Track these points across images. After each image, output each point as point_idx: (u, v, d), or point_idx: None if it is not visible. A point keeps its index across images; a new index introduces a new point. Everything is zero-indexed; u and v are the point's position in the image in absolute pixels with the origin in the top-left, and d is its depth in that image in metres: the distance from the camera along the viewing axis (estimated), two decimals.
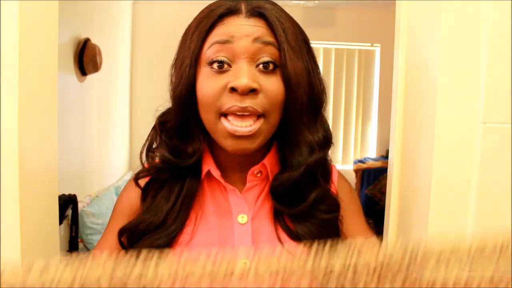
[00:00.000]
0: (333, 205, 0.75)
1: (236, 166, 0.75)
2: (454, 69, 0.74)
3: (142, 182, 0.76)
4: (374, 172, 3.90)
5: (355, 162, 4.19)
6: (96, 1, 3.01)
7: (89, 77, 2.87)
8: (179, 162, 0.72)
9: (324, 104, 0.75)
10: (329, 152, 0.77)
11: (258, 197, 0.75)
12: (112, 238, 0.75)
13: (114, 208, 0.80)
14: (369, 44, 4.29)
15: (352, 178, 4.06)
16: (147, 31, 4.04)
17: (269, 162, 0.75)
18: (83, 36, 2.76)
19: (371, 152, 4.40)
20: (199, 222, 0.73)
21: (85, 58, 2.72)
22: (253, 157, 0.74)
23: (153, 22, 4.02)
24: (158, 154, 0.74)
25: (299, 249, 0.70)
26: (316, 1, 3.83)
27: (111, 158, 3.58)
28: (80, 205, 2.59)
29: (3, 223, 0.72)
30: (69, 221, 2.50)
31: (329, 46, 4.23)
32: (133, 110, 4.08)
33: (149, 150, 0.76)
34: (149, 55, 3.99)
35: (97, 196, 2.92)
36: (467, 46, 0.73)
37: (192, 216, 0.73)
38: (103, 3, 3.20)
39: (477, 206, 0.74)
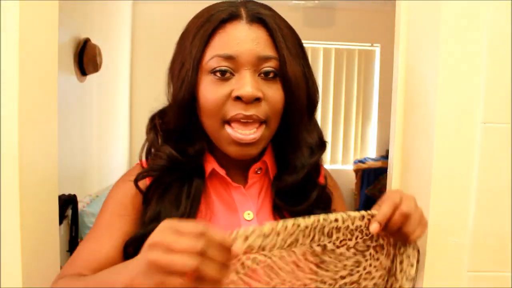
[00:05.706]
0: (328, 201, 0.80)
1: (237, 164, 0.77)
2: (454, 69, 0.74)
3: (141, 184, 0.74)
4: (374, 172, 3.90)
5: (355, 162, 4.19)
6: (96, 1, 3.00)
7: (89, 77, 2.86)
8: (185, 161, 0.72)
9: (317, 105, 0.78)
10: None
11: (259, 193, 0.77)
12: (111, 234, 0.72)
13: (109, 202, 0.76)
14: (369, 44, 4.28)
15: (352, 178, 4.06)
16: (147, 31, 4.03)
17: (268, 159, 0.78)
18: (83, 36, 2.76)
19: (371, 152, 4.40)
20: (209, 222, 0.73)
21: (85, 58, 2.72)
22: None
23: (153, 22, 4.02)
24: (163, 152, 0.73)
25: None
26: (316, 1, 3.82)
27: (111, 158, 3.58)
28: (80, 205, 2.59)
29: (3, 223, 0.72)
30: (69, 221, 2.50)
31: (329, 46, 4.23)
32: (133, 110, 4.07)
33: (151, 150, 0.76)
34: (149, 55, 3.98)
35: (97, 196, 2.91)
36: (467, 46, 0.73)
37: (201, 217, 0.73)
38: (103, 3, 3.19)
39: (477, 206, 0.74)
